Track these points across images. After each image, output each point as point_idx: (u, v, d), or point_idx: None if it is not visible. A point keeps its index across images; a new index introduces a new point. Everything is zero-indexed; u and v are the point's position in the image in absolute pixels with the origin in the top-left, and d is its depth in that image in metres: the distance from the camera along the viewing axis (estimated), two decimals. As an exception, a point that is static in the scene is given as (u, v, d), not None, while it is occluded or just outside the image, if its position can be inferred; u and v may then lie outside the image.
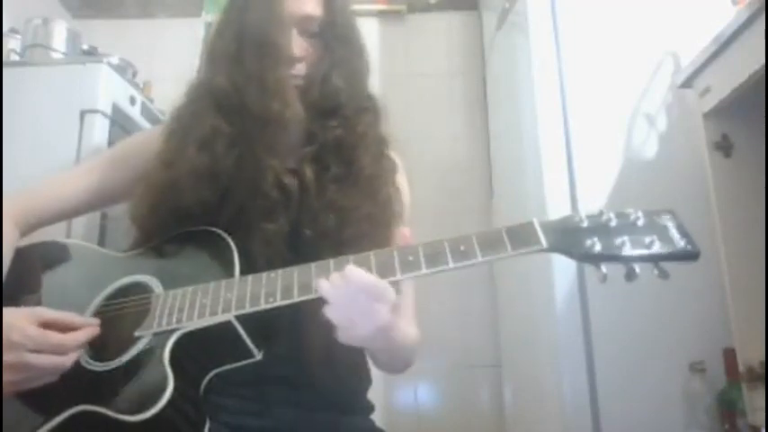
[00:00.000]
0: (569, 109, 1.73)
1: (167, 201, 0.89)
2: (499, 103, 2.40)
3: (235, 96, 0.91)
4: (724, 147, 1.39)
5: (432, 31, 2.81)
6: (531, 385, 1.93)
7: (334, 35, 0.96)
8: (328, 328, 0.74)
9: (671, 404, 1.49)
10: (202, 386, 0.80)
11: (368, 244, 0.82)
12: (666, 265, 0.70)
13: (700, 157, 1.46)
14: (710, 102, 1.39)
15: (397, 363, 0.96)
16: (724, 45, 1.32)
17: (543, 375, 1.75)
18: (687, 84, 1.50)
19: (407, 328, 0.92)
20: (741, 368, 1.29)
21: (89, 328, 0.80)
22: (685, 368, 1.49)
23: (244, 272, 0.82)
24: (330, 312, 0.73)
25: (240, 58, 0.92)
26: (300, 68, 0.94)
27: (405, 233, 0.80)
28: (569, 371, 1.56)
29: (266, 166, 0.88)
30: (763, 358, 1.24)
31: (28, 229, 0.99)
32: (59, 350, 0.76)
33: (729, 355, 1.40)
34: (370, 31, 2.76)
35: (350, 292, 0.72)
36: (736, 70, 1.28)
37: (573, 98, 1.74)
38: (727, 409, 1.41)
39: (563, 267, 1.60)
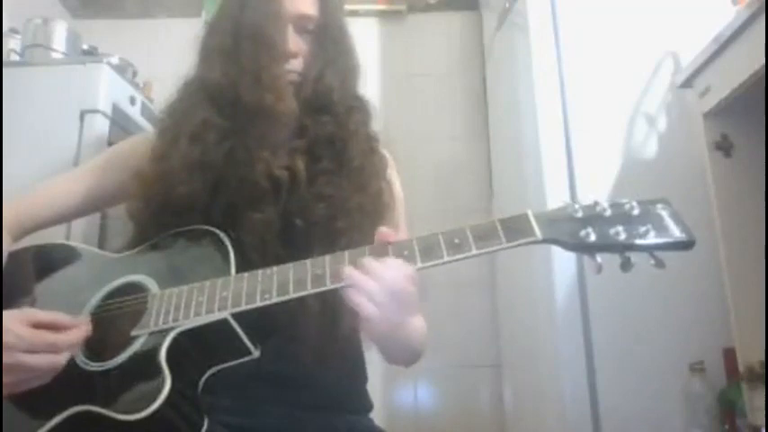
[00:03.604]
0: (569, 109, 1.73)
1: (160, 193, 0.90)
2: (499, 103, 2.40)
3: (228, 90, 0.92)
4: (724, 147, 1.39)
5: (432, 31, 2.80)
6: (531, 385, 1.93)
7: (329, 35, 0.99)
8: (352, 319, 0.72)
9: (671, 404, 1.50)
10: (200, 385, 0.80)
11: (359, 235, 0.83)
12: (666, 263, 0.70)
13: (700, 157, 1.46)
14: (710, 102, 1.39)
15: (411, 353, 0.96)
16: (724, 45, 1.32)
17: (543, 375, 1.75)
18: (687, 84, 1.50)
19: (417, 319, 0.93)
20: (741, 368, 1.29)
21: (81, 327, 0.80)
22: (685, 368, 1.49)
23: (237, 264, 0.82)
24: (355, 299, 0.71)
25: (235, 53, 0.94)
26: (296, 65, 0.96)
27: (386, 233, 0.77)
28: (569, 371, 1.56)
29: (257, 158, 0.89)
30: (763, 358, 1.24)
31: (22, 234, 0.99)
32: (53, 349, 0.75)
33: (729, 355, 1.40)
34: (370, 31, 2.77)
35: (393, 280, 0.71)
36: (736, 70, 1.28)
37: (573, 98, 1.74)
38: (728, 408, 1.41)
39: (563, 267, 1.59)
